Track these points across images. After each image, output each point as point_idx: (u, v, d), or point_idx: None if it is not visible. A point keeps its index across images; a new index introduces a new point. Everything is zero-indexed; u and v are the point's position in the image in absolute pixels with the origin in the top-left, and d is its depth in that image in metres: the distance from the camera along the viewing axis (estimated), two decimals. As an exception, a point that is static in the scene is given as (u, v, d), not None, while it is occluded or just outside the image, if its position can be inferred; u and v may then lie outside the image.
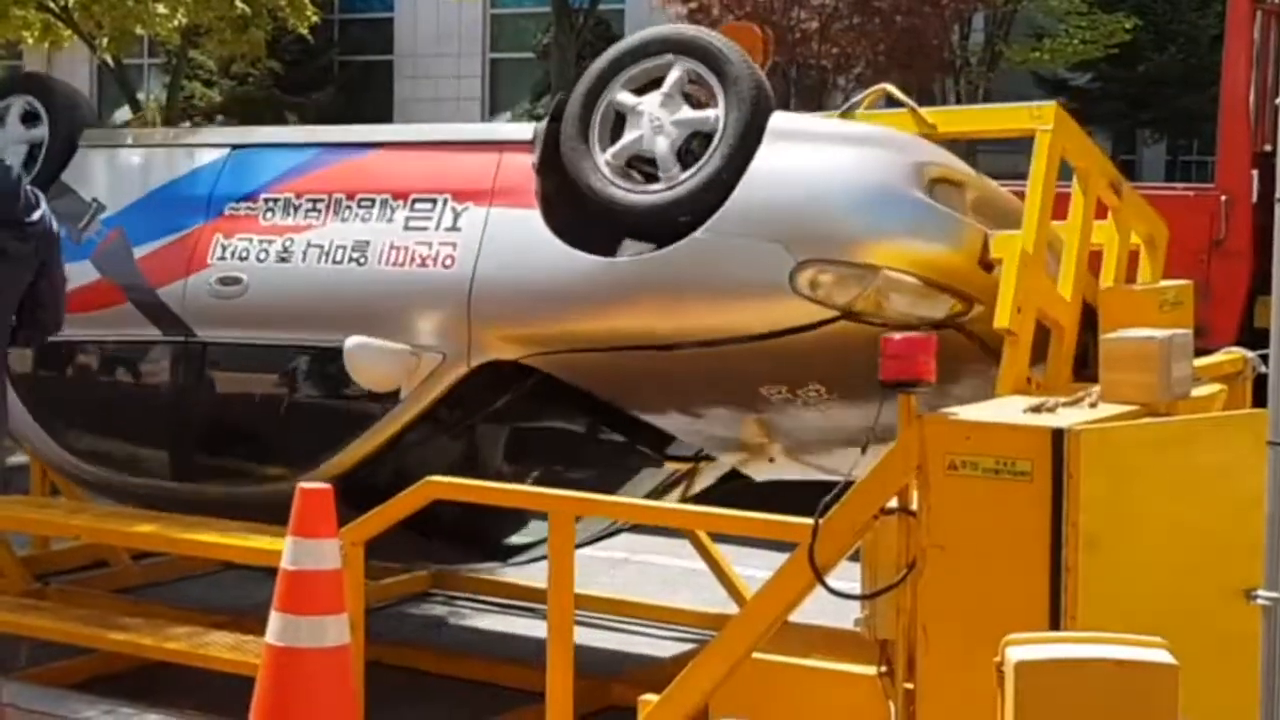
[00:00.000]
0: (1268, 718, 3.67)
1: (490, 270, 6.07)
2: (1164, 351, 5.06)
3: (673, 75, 6.01)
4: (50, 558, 8.28)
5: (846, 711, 5.04)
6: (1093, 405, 5.06)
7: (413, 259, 6.23)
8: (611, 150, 6.03)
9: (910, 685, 4.90)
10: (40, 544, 8.26)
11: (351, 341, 6.04)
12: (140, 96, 25.60)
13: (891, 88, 6.23)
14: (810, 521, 5.00)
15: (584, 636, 6.14)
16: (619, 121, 6.08)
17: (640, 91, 6.07)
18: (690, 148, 5.96)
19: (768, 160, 5.73)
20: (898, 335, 4.96)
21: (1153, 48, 27.00)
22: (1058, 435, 4.63)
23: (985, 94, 22.81)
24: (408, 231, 6.28)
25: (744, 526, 5.49)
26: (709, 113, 5.93)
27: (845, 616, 5.25)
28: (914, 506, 4.90)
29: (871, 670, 5.02)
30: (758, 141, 5.77)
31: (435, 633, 8.26)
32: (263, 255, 6.54)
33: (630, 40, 6.22)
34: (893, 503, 4.98)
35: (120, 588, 8.37)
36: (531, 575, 7.43)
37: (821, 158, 5.77)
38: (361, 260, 6.32)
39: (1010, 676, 3.89)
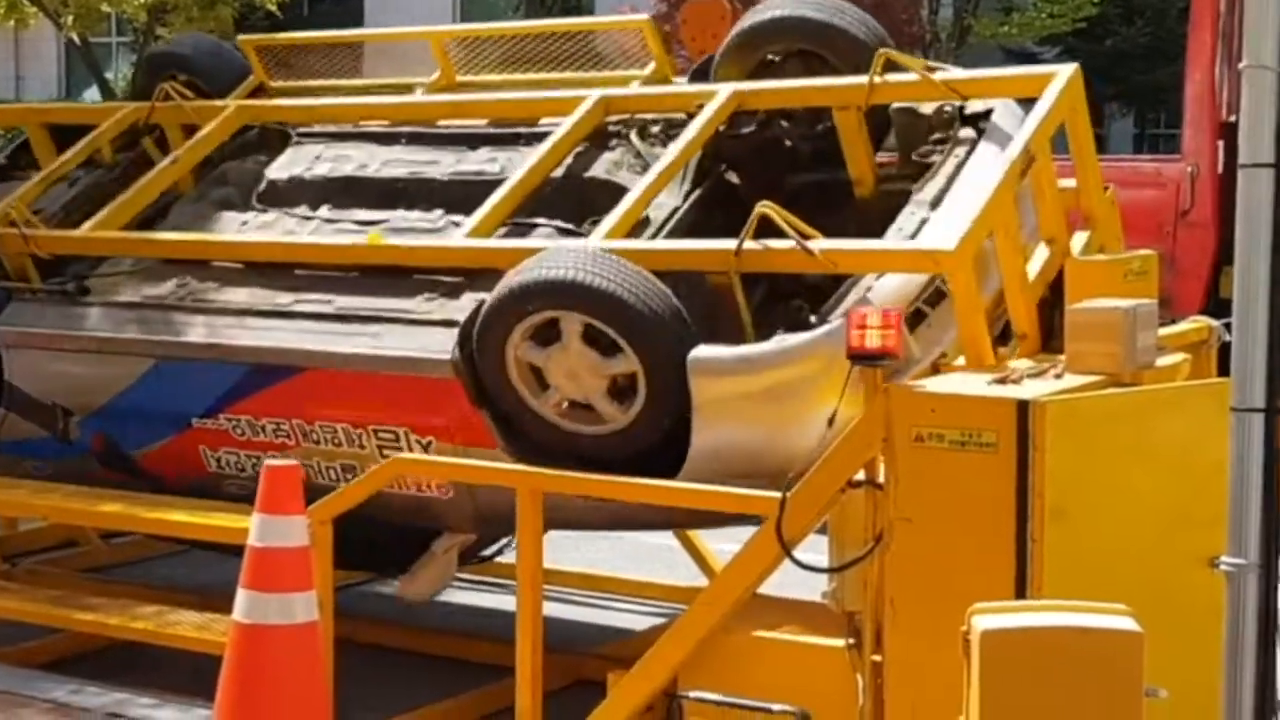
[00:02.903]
0: (1231, 685, 3.68)
1: None
2: (1128, 321, 5.07)
3: (568, 330, 5.63)
4: (19, 538, 8.26)
5: (815, 684, 5.04)
6: (1058, 376, 5.07)
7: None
8: (549, 401, 5.76)
9: (878, 657, 4.91)
10: (8, 525, 8.23)
11: None
12: (109, 76, 25.48)
13: (894, 53, 6.12)
14: (778, 495, 5.01)
15: (555, 612, 6.15)
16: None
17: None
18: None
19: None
20: (864, 308, 4.97)
21: (1120, 21, 27.03)
22: (1023, 406, 4.64)
23: (954, 68, 22.75)
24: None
25: (712, 501, 5.48)
26: (621, 359, 5.59)
27: (813, 589, 5.28)
28: (881, 479, 4.91)
29: (839, 643, 5.03)
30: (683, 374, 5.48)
31: (406, 610, 8.24)
32: None
33: (510, 288, 5.68)
34: (859, 476, 4.99)
35: (89, 567, 8.35)
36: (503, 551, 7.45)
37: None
38: None
39: (976, 645, 3.89)
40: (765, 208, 5.47)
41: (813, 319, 5.60)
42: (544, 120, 6.84)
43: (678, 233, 6.21)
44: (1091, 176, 6.00)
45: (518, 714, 5.60)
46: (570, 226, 6.33)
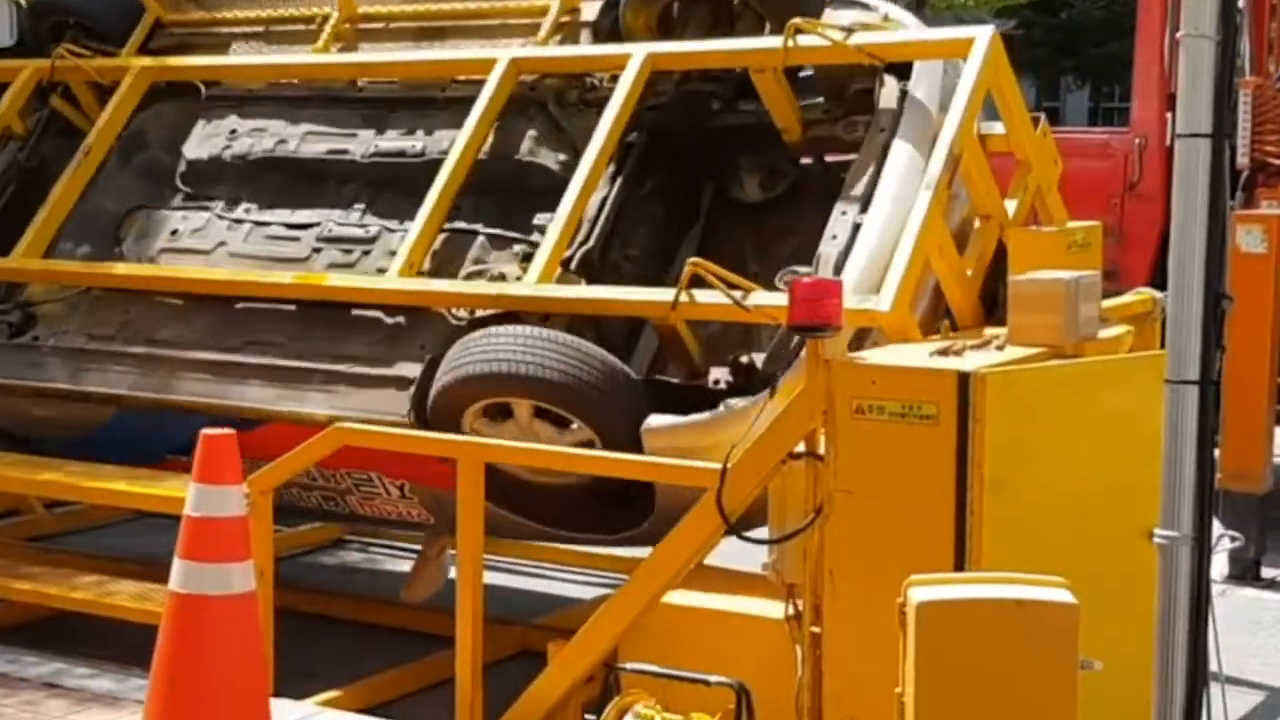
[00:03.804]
0: (1163, 657, 3.68)
1: None
2: (1071, 293, 5.06)
3: (519, 410, 5.76)
4: (-40, 508, 8.19)
5: (754, 655, 5.03)
6: (1000, 348, 5.06)
7: None
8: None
9: (817, 629, 4.90)
10: (-50, 495, 8.16)
11: None
12: None
13: (803, 21, 6.05)
14: (718, 467, 4.99)
15: (497, 581, 6.12)
16: None
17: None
18: None
19: None
20: (806, 279, 4.95)
21: (1076, -6, 27.13)
22: (963, 378, 4.62)
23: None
24: None
25: (653, 472, 5.47)
26: (575, 429, 5.71)
27: (753, 560, 5.27)
28: (821, 451, 4.89)
29: (779, 614, 5.02)
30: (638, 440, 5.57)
31: (349, 580, 8.22)
32: None
33: (456, 378, 5.74)
34: (800, 447, 4.97)
35: (32, 536, 8.28)
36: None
37: None
38: None
39: (912, 617, 3.88)
40: (695, 265, 5.54)
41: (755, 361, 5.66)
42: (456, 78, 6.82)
43: (613, 225, 6.23)
44: (1020, 124, 5.99)
45: (458, 685, 5.58)
46: (508, 234, 6.35)
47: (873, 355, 5.01)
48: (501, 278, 6.19)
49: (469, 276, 6.28)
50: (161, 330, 6.74)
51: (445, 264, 6.36)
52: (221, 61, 7.53)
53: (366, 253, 6.59)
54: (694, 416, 5.51)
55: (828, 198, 5.92)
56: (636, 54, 6.26)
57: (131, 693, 5.54)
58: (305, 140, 7.00)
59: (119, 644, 6.39)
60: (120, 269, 6.95)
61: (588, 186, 6.07)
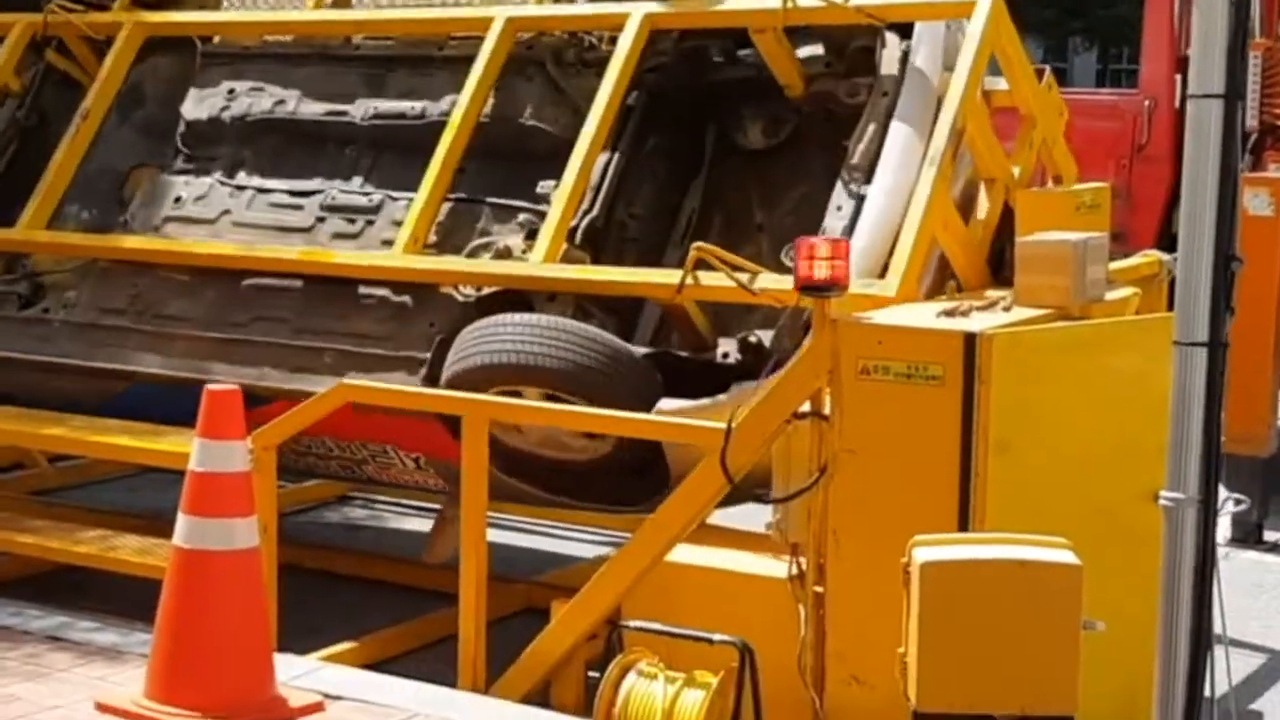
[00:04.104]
0: (1168, 619, 3.68)
1: None
2: (1078, 255, 5.05)
3: (530, 397, 5.78)
4: (-37, 461, 8.19)
5: (757, 614, 5.04)
6: (1006, 309, 5.06)
7: None
8: (526, 439, 5.95)
9: (820, 588, 4.90)
10: (-47, 449, 8.16)
11: None
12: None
13: None
14: (723, 426, 4.98)
15: (501, 539, 6.13)
16: None
17: None
18: None
19: None
20: (813, 239, 4.93)
21: (1085, -46, 27.00)
22: (970, 339, 4.62)
23: None
24: None
25: (658, 431, 5.46)
26: None
27: (757, 521, 5.27)
28: (826, 411, 4.89)
29: (782, 573, 5.02)
30: None
31: (353, 536, 8.23)
32: None
33: (466, 369, 5.78)
34: (805, 407, 4.96)
35: (35, 490, 8.29)
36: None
37: None
38: None
39: (916, 577, 3.89)
40: (700, 250, 5.50)
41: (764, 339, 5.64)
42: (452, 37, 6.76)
43: (616, 188, 6.21)
44: (1023, 80, 5.95)
45: (461, 641, 5.58)
46: (512, 204, 6.32)
47: (879, 316, 5.00)
48: (508, 251, 6.17)
49: (474, 251, 6.27)
50: (170, 304, 6.73)
51: (450, 235, 6.35)
52: (217, 17, 7.47)
53: (370, 222, 6.57)
54: (704, 400, 5.49)
55: (831, 144, 5.91)
56: (635, 14, 6.22)
57: (135, 647, 5.54)
58: (304, 101, 6.95)
59: (122, 598, 6.40)
60: (127, 242, 6.92)
61: (589, 157, 6.03)
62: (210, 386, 5.09)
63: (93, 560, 6.37)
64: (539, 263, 5.89)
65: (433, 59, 6.80)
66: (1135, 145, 9.99)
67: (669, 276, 5.65)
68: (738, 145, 6.35)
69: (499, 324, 5.70)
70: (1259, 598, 7.53)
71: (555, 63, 6.51)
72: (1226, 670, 4.17)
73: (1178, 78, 9.90)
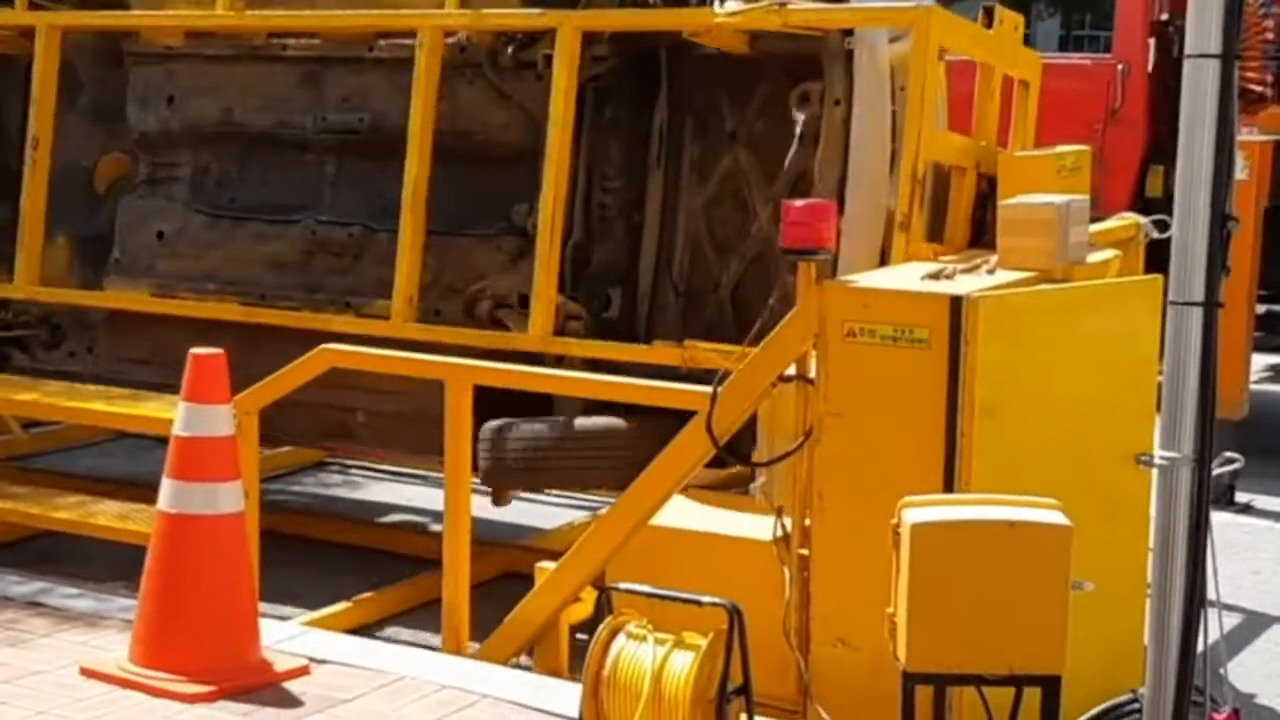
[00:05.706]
0: (1161, 577, 3.70)
1: None
2: (1061, 217, 5.05)
3: None
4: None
5: (742, 577, 5.03)
6: (990, 272, 5.06)
7: None
8: None
9: (805, 551, 4.91)
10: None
11: None
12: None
13: None
14: (709, 390, 4.99)
15: (484, 504, 6.12)
16: None
17: None
18: None
19: None
20: (799, 202, 4.92)
21: (1050, -81, 26.98)
22: (956, 302, 4.61)
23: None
24: None
25: (644, 395, 5.47)
26: None
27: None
28: (812, 374, 4.89)
29: (767, 536, 5.03)
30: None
31: (332, 501, 8.22)
32: None
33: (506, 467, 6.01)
34: (791, 370, 4.96)
35: (10, 456, 8.25)
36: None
37: None
38: None
39: (905, 538, 3.89)
40: (691, 347, 5.77)
41: None
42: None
43: (588, 183, 6.29)
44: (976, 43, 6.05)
45: (445, 606, 5.58)
46: (489, 234, 6.36)
47: (865, 279, 4.99)
48: (503, 302, 6.24)
49: (471, 298, 6.29)
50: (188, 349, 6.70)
51: (439, 277, 6.36)
52: (133, 17, 7.20)
53: (357, 257, 6.61)
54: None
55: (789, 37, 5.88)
56: (564, 25, 6.07)
57: (115, 612, 5.52)
58: (252, 111, 6.90)
59: (101, 564, 6.38)
60: (129, 299, 6.95)
61: (557, 197, 6.02)
62: (194, 351, 5.07)
63: (73, 526, 6.35)
64: (538, 337, 6.00)
65: (364, 59, 6.71)
66: (1109, 109, 10.00)
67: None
68: (692, 54, 6.26)
69: (522, 435, 5.87)
70: (1230, 559, 7.57)
71: (492, 65, 6.42)
72: (1220, 629, 4.22)
73: (1151, 42, 9.91)
